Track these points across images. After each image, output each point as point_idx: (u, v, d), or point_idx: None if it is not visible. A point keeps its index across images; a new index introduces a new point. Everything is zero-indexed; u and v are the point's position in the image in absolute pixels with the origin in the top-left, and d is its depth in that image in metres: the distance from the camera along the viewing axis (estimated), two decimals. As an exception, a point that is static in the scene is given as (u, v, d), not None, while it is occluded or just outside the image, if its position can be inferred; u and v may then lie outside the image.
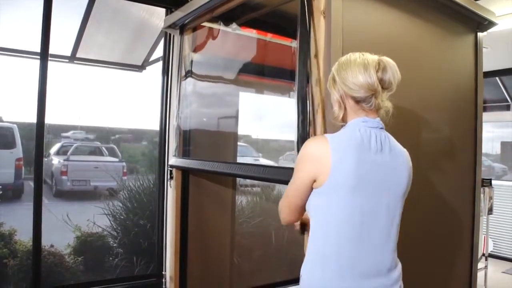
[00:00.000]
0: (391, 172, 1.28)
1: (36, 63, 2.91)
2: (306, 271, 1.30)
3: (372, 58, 1.29)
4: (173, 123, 3.37)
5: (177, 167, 3.17)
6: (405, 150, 1.37)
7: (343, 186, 1.21)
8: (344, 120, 1.34)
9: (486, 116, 3.27)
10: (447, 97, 2.75)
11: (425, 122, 2.58)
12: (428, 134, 2.62)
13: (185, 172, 3.34)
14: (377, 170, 1.25)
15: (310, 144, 1.29)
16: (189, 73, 3.28)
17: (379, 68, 1.27)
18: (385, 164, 1.27)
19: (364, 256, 1.24)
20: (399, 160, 1.31)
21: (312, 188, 1.27)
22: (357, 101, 1.29)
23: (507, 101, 5.57)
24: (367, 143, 1.25)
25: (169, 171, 3.25)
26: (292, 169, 2.10)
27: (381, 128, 1.31)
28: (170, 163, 3.28)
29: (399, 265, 1.34)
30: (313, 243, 1.30)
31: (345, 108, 1.32)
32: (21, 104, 3.34)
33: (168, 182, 3.34)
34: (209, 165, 2.79)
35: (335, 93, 1.33)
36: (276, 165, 2.22)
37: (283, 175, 2.13)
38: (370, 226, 1.25)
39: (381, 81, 1.27)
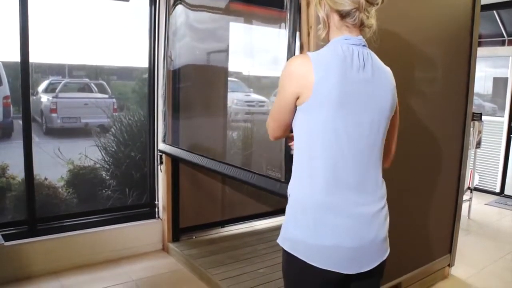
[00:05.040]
0: (375, 89, 1.28)
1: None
2: (293, 188, 1.33)
3: None
4: (161, 58, 3.31)
5: (167, 154, 3.28)
6: (388, 68, 1.36)
7: (326, 102, 1.21)
8: (327, 38, 1.35)
9: (480, 51, 3.22)
10: (443, 29, 2.69)
11: (420, 52, 2.54)
12: (422, 65, 2.59)
13: (177, 108, 3.33)
14: (360, 87, 1.25)
15: (292, 62, 1.28)
16: (177, 1, 3.14)
17: None
18: (368, 80, 1.27)
19: (349, 172, 1.26)
20: (382, 77, 1.31)
21: (296, 106, 1.28)
22: (342, 15, 1.29)
23: (503, 36, 5.48)
24: (350, 60, 1.24)
25: (159, 155, 3.40)
26: (278, 181, 2.17)
27: (364, 45, 1.31)
28: (160, 148, 3.37)
29: (384, 184, 1.37)
30: (298, 161, 1.31)
31: (328, 26, 1.33)
32: (4, 41, 3.21)
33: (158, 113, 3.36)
34: (198, 159, 2.87)
35: (321, 11, 1.33)
36: (263, 173, 2.32)
37: (269, 185, 2.23)
38: (355, 143, 1.26)
39: None
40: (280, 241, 1.34)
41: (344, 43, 1.27)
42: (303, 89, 1.22)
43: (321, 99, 1.21)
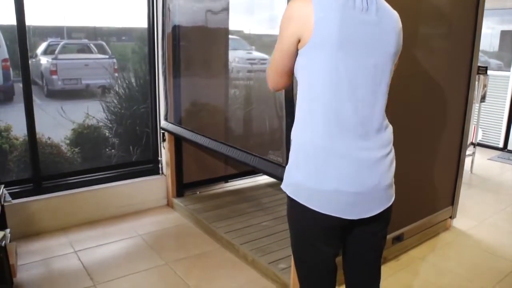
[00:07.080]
0: (378, 32, 1.24)
1: None
2: (295, 133, 1.31)
3: None
4: (160, 18, 3.24)
5: (170, 131, 3.29)
6: (394, 11, 1.31)
7: (326, 43, 1.18)
8: None
9: (488, 2, 3.12)
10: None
11: (427, 1, 2.47)
12: (428, 14, 2.52)
13: (176, 67, 3.29)
14: (362, 29, 1.21)
15: (292, 4, 1.24)
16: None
17: None
18: (371, 23, 1.22)
19: (351, 116, 1.23)
20: (387, 20, 1.26)
21: (297, 50, 1.25)
22: None
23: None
24: (352, 1, 1.20)
25: (162, 133, 3.44)
26: (279, 165, 2.15)
27: None
28: (162, 125, 3.37)
29: (390, 127, 1.35)
30: (300, 105, 1.30)
31: None
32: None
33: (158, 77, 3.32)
34: (200, 139, 2.87)
35: None
36: (265, 157, 2.34)
37: (270, 168, 2.24)
38: (357, 86, 1.23)
39: None
40: (283, 186, 1.34)
41: None
42: (304, 30, 1.19)
43: (321, 40, 1.18)
